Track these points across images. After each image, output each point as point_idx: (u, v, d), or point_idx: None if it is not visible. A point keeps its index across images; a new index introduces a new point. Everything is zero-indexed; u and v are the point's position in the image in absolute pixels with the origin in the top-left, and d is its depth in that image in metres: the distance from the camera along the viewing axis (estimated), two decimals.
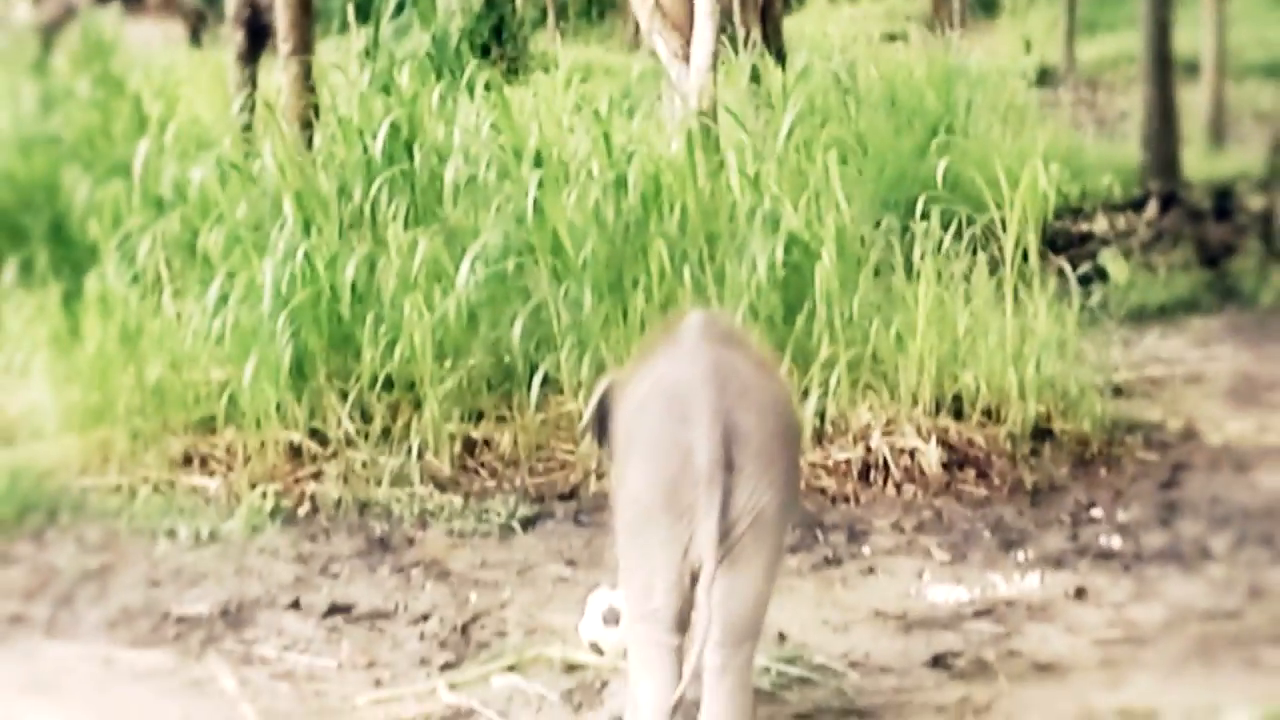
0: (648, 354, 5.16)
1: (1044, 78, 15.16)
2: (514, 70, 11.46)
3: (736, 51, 9.80)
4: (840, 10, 16.80)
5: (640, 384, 4.88)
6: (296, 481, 7.28)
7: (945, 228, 7.90)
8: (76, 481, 7.32)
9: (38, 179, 9.00)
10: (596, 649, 5.58)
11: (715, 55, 8.59)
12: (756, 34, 10.72)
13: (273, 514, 7.01)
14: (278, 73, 9.17)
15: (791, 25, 14.48)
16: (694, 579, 4.67)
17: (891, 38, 14.13)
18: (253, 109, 9.07)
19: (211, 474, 7.35)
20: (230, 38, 9.82)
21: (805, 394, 7.32)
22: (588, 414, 5.20)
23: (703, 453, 4.59)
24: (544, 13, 15.33)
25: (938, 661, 5.60)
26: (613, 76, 11.90)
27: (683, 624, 4.76)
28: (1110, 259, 10.32)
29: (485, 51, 11.51)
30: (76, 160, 9.01)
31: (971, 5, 18.11)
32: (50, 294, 7.79)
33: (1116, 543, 6.67)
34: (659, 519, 4.64)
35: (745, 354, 5.13)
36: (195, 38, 12.72)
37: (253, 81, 9.53)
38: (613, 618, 5.49)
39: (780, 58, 10.75)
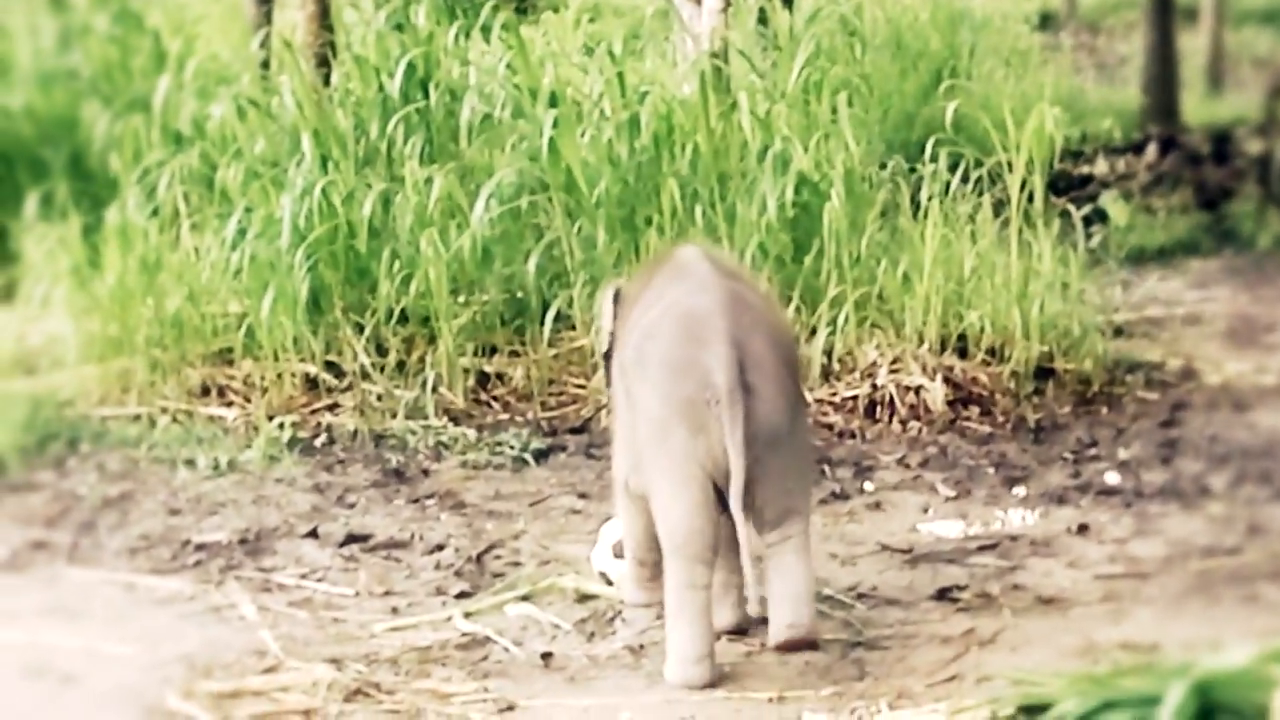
0: (646, 281, 5.35)
1: (1045, 22, 15.16)
2: (523, 9, 11.46)
3: None
4: None
5: (648, 310, 5.09)
6: (313, 413, 7.40)
7: (951, 170, 8.01)
8: (96, 411, 7.43)
9: (57, 114, 9.01)
10: (606, 579, 5.72)
11: None
12: None
13: (290, 444, 7.11)
14: (293, 10, 9.22)
15: None
16: (719, 496, 4.89)
17: None
18: (269, 46, 9.11)
19: (229, 404, 7.46)
20: None
21: (813, 332, 7.45)
22: (606, 321, 5.40)
23: (720, 373, 4.83)
24: None
25: (943, 594, 5.71)
26: (620, 17, 11.90)
27: (714, 549, 4.98)
28: (1111, 201, 10.39)
29: None
30: (96, 95, 9.04)
31: None
32: (70, 227, 7.84)
33: (1117, 480, 6.79)
34: (676, 433, 4.89)
35: (751, 287, 5.44)
36: None
37: (268, 19, 9.57)
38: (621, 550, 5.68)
39: (788, 1, 10.80)
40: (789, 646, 5.11)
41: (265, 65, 8.98)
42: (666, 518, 4.98)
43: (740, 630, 5.39)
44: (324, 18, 8.94)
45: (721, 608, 5.35)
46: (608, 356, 5.49)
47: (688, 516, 4.94)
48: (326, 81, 8.49)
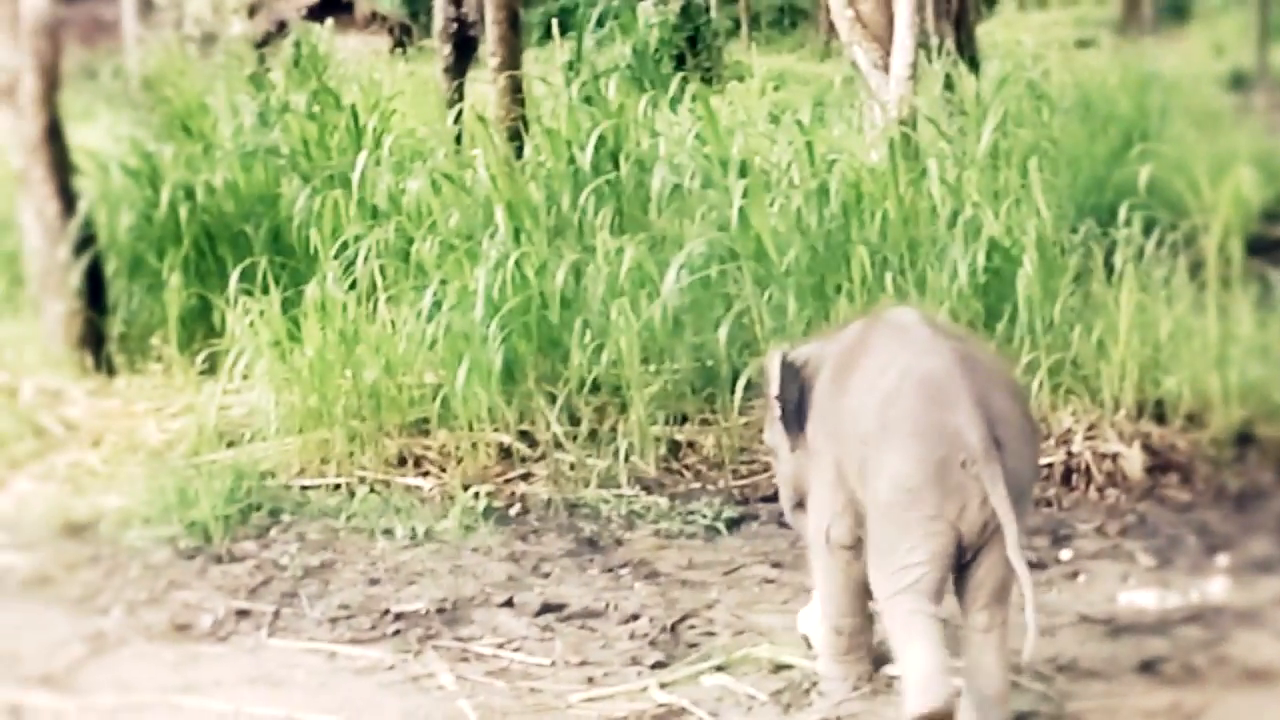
0: (847, 347, 5.35)
1: (1237, 82, 14.95)
2: (708, 80, 11.57)
3: (930, 59, 9.85)
4: (1030, 17, 16.72)
5: (878, 375, 5.10)
6: (507, 482, 7.46)
7: (1145, 233, 7.93)
8: (297, 481, 7.54)
9: (258, 190, 9.23)
10: (809, 643, 5.69)
11: (914, 64, 8.66)
12: (950, 42, 10.76)
13: (485, 514, 7.16)
14: (485, 85, 9.38)
15: (982, 32, 14.45)
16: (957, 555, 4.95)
17: (1083, 44, 14.05)
18: (462, 121, 9.26)
19: (425, 474, 7.54)
20: (438, 51, 10.06)
21: None
22: (776, 386, 5.41)
23: (973, 432, 4.87)
24: (737, 22, 15.44)
25: (1146, 667, 5.62)
26: (805, 85, 11.97)
27: (942, 596, 5.02)
28: None
29: (681, 61, 11.66)
30: (295, 172, 9.25)
31: (1162, 10, 17.90)
32: (271, 301, 7.99)
33: None
34: (927, 498, 4.91)
35: (974, 342, 5.54)
36: (399, 50, 13.00)
37: (461, 94, 9.75)
38: None
39: (974, 65, 10.78)
40: None
41: (459, 140, 9.13)
42: (902, 567, 4.98)
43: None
44: (515, 92, 9.11)
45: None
46: (786, 421, 5.47)
47: (926, 566, 4.96)
48: (519, 155, 8.63)
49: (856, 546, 5.38)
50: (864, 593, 5.44)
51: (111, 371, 8.80)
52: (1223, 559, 6.58)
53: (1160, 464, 7.36)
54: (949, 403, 4.95)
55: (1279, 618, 6.02)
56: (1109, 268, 7.87)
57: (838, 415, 5.25)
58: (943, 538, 4.95)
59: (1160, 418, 7.53)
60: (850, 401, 5.18)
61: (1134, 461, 7.27)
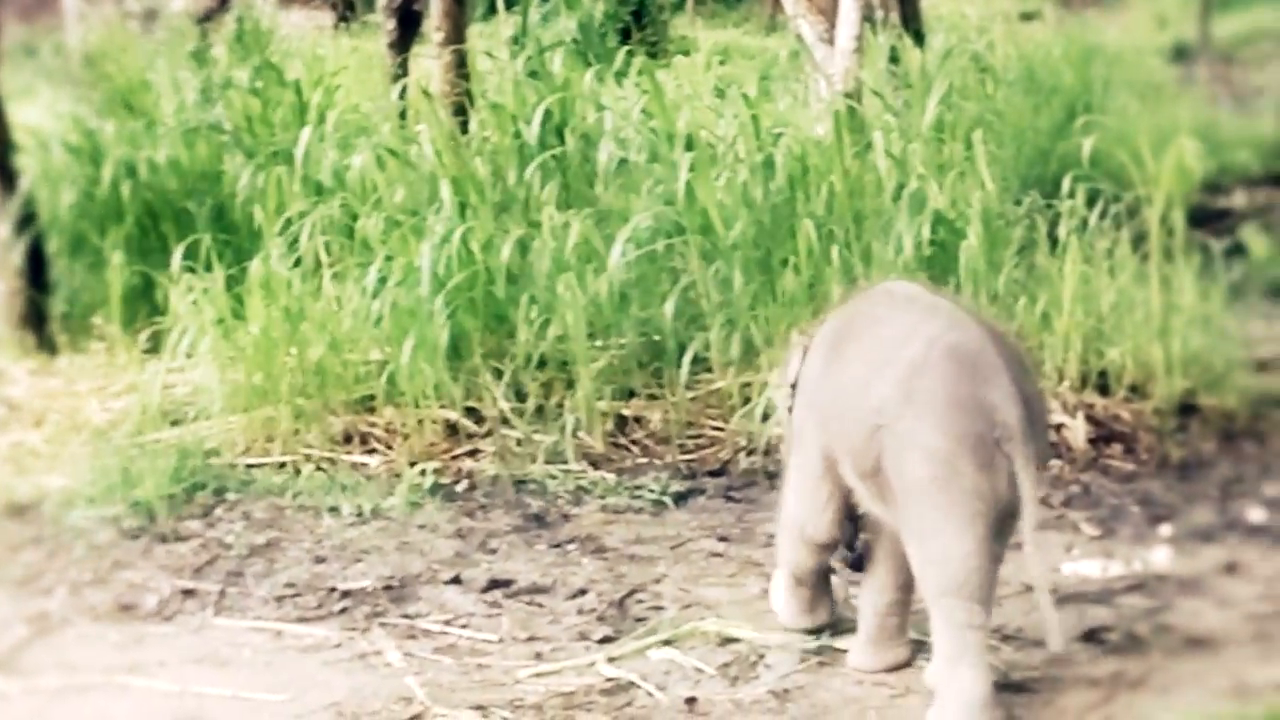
0: (843, 321, 5.30)
1: (1179, 55, 15.02)
2: (653, 54, 11.55)
3: (875, 33, 9.87)
4: None
5: (895, 347, 4.95)
6: (453, 459, 7.45)
7: (1089, 205, 7.96)
8: (242, 460, 7.51)
9: (201, 167, 9.18)
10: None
11: (859, 38, 8.67)
12: (895, 15, 10.79)
13: (432, 490, 7.15)
14: (430, 60, 9.34)
15: (927, 5, 14.46)
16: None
17: (1027, 16, 14.08)
18: (406, 96, 9.22)
19: (372, 451, 7.52)
20: (382, 26, 10.02)
21: None
22: (790, 374, 5.40)
23: (1011, 410, 4.75)
24: None
25: (1090, 636, 5.65)
26: (750, 59, 11.96)
27: (993, 589, 4.94)
28: (1251, 234, 10.25)
29: (626, 35, 11.64)
30: (238, 148, 9.20)
31: None
32: (215, 278, 7.95)
33: (1265, 517, 6.68)
34: (964, 470, 4.77)
35: (991, 320, 5.46)
36: (342, 25, 12.94)
37: (405, 69, 9.71)
38: None
39: (918, 38, 10.81)
40: None
41: (403, 115, 9.09)
42: (947, 557, 4.85)
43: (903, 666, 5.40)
44: (460, 67, 9.06)
45: (886, 647, 5.37)
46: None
47: (973, 555, 4.83)
48: (464, 130, 8.60)
49: (831, 546, 5.41)
50: (827, 563, 5.51)
51: (54, 350, 8.75)
52: (1165, 528, 6.63)
53: (1104, 434, 7.40)
54: (984, 377, 4.82)
55: (1221, 586, 6.06)
56: (1053, 239, 7.91)
57: (833, 390, 5.14)
58: (983, 520, 4.81)
59: (1104, 388, 7.58)
60: (855, 371, 5.04)
61: (1078, 432, 7.31)
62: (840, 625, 5.68)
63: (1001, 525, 4.89)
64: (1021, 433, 4.76)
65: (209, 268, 8.06)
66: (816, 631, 5.65)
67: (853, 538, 5.39)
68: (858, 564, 5.47)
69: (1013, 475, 4.78)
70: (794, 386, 5.41)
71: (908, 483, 4.88)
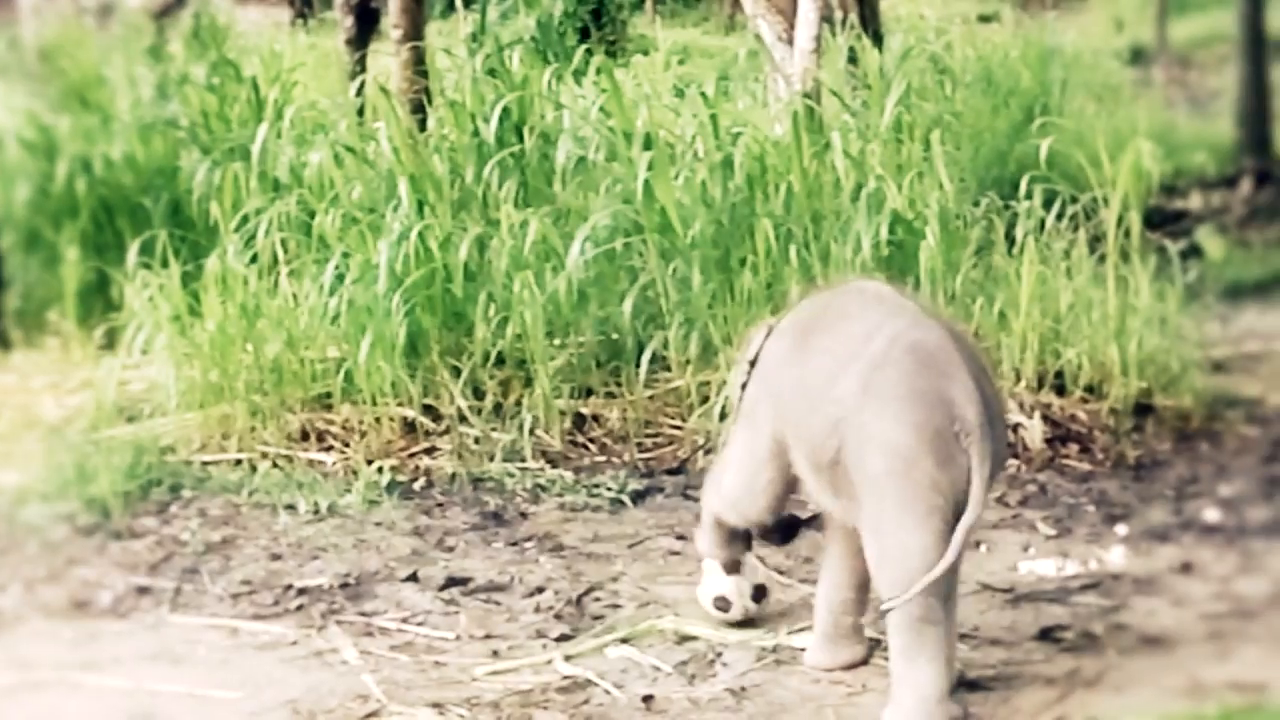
0: (811, 314, 5.32)
1: (1136, 57, 15.09)
2: (612, 53, 11.53)
3: (834, 33, 9.87)
4: None
5: (860, 342, 4.99)
6: (411, 456, 7.44)
7: (1046, 206, 8.00)
8: (198, 457, 7.48)
9: (157, 163, 9.13)
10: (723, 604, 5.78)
11: (818, 38, 8.68)
12: (854, 15, 10.79)
13: (389, 488, 7.14)
14: (388, 57, 9.32)
15: (885, 6, 14.49)
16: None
17: (985, 18, 14.12)
18: (364, 93, 9.20)
19: (329, 449, 7.50)
20: (340, 23, 9.98)
21: None
22: (753, 349, 5.42)
23: (970, 406, 4.80)
24: None
25: (1046, 634, 5.67)
26: (710, 58, 11.96)
27: (950, 584, 4.93)
28: (1206, 236, 10.31)
29: (585, 34, 11.62)
30: (194, 144, 9.16)
31: None
32: (171, 275, 7.91)
33: (1220, 517, 6.72)
34: (923, 464, 4.81)
35: (953, 322, 5.50)
36: (300, 22, 12.88)
37: (363, 66, 9.68)
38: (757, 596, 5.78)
39: (877, 39, 10.82)
40: None
41: (361, 112, 9.06)
42: (904, 552, 4.87)
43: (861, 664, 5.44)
44: (418, 64, 9.05)
45: (842, 644, 5.39)
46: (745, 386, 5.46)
47: (930, 550, 4.83)
48: (422, 127, 8.57)
49: (758, 526, 5.48)
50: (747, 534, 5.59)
51: (8, 346, 8.71)
52: (1121, 528, 6.66)
53: (1060, 434, 7.43)
54: (944, 373, 4.87)
55: (1176, 585, 6.09)
56: (1010, 240, 7.94)
57: (796, 379, 5.15)
58: (940, 515, 4.83)
59: (1060, 389, 7.61)
60: (820, 364, 5.07)
61: (1034, 432, 7.33)
62: (797, 623, 5.70)
63: (958, 521, 4.89)
64: (980, 429, 4.80)
65: (165, 264, 8.02)
66: (762, 622, 5.72)
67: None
68: (782, 535, 5.63)
69: (969, 471, 4.82)
70: (753, 364, 5.43)
71: (867, 476, 4.91)
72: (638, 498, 7.09)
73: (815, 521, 5.57)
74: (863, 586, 5.33)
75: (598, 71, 8.67)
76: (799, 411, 5.12)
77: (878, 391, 4.88)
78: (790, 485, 5.34)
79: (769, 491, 5.35)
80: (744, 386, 5.45)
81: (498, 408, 7.55)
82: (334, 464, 7.38)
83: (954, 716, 4.97)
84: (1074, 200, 7.99)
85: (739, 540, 5.68)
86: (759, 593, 5.79)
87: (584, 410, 7.65)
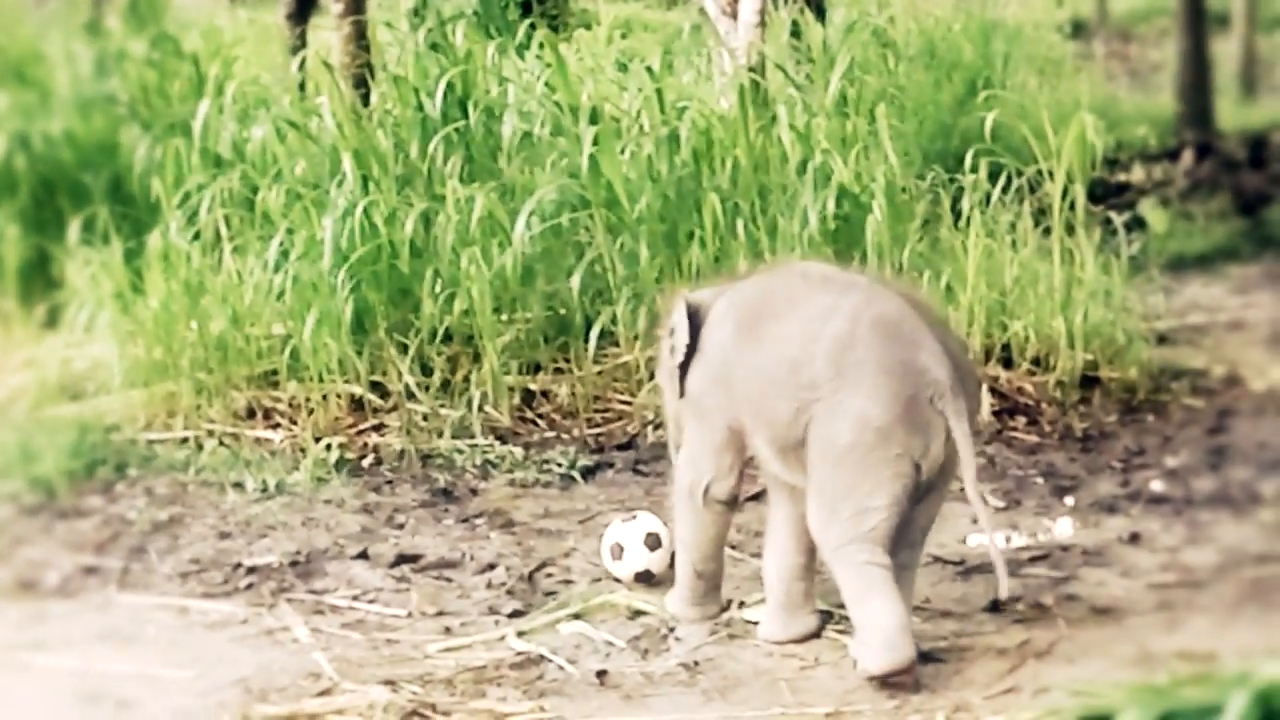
0: (754, 300, 5.36)
1: (1078, 30, 15.13)
2: (555, 27, 11.48)
3: (777, 6, 9.85)
4: None
5: (819, 324, 5.10)
6: (359, 433, 7.40)
7: (991, 180, 8.02)
8: (143, 435, 7.43)
9: (97, 139, 9.02)
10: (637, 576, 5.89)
11: (762, 11, 8.66)
12: None
13: (337, 466, 7.11)
14: (329, 32, 9.25)
15: None
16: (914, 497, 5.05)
17: None
18: (306, 68, 9.12)
19: (276, 427, 7.46)
20: None
21: None
22: (681, 333, 5.41)
23: (940, 370, 4.99)
24: None
25: (997, 606, 5.69)
26: (652, 32, 11.92)
27: (891, 544, 5.08)
28: (1149, 209, 10.36)
29: (527, 8, 11.55)
30: (135, 120, 9.06)
31: None
32: (113, 252, 7.85)
33: (1167, 488, 6.78)
34: (897, 436, 4.97)
35: (908, 289, 5.72)
36: None
37: (304, 41, 9.60)
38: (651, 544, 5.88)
39: (820, 13, 10.80)
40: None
41: (302, 87, 8.99)
42: (857, 510, 5.03)
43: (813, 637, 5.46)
44: (360, 39, 8.97)
45: (795, 616, 5.40)
46: (684, 368, 5.47)
47: (883, 509, 5.03)
48: (365, 102, 8.51)
49: (732, 502, 5.46)
50: (725, 541, 5.60)
51: None
52: (1069, 500, 6.70)
53: (1008, 407, 7.48)
54: (911, 342, 5.03)
55: (1125, 556, 6.14)
56: (956, 213, 7.98)
57: (751, 370, 5.22)
58: (907, 479, 5.02)
59: (1007, 361, 7.66)
60: (778, 352, 5.15)
61: (982, 405, 7.35)
62: (749, 597, 5.72)
63: (926, 488, 5.07)
64: (952, 388, 4.97)
65: (106, 241, 7.97)
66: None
67: None
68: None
69: (947, 431, 5.00)
70: (690, 348, 5.42)
71: (835, 449, 5.02)
72: (588, 473, 7.09)
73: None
74: (810, 551, 5.38)
75: (541, 46, 8.62)
76: (759, 399, 5.21)
77: (849, 372, 5.01)
78: (749, 465, 5.46)
79: (735, 471, 5.45)
80: (683, 369, 5.45)
81: (446, 384, 7.52)
82: (281, 441, 7.34)
83: (915, 647, 5.08)
84: (1019, 174, 8.02)
85: (715, 592, 5.69)
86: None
87: (532, 386, 7.64)
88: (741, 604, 5.74)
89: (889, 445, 4.97)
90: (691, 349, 5.43)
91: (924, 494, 5.12)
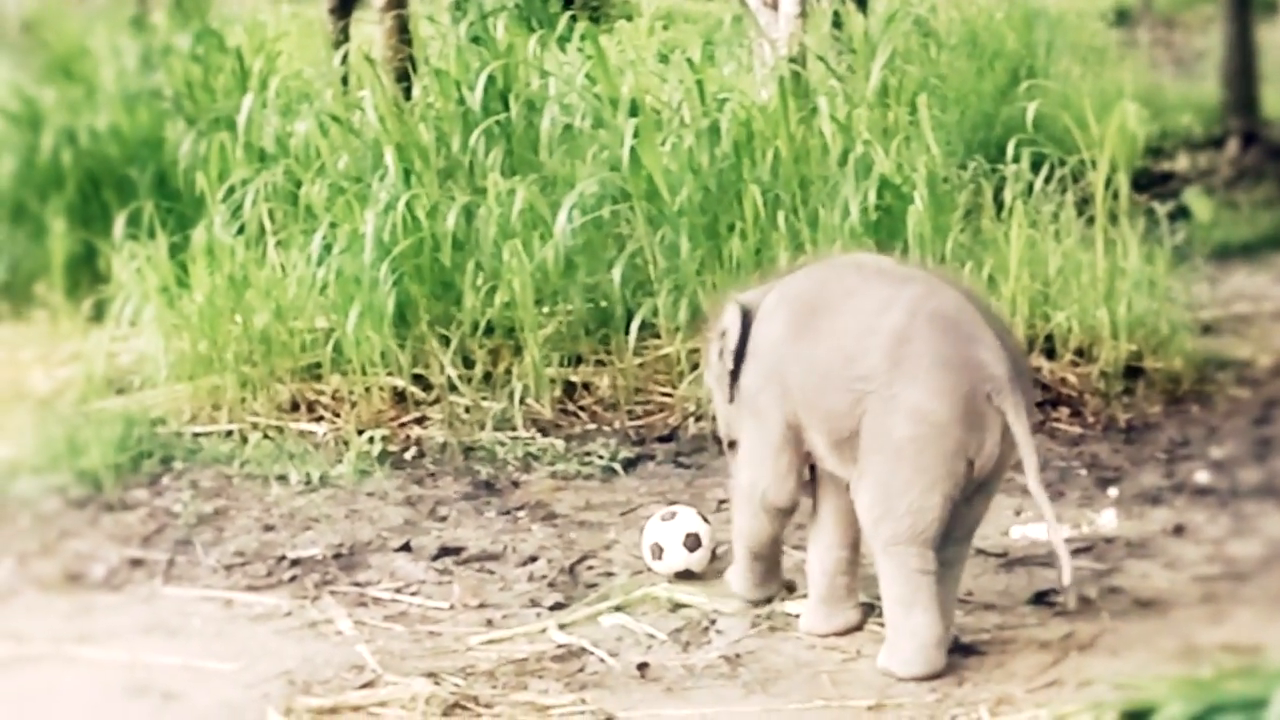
0: (808, 294, 5.33)
1: (1121, 18, 15.07)
2: (596, 19, 11.49)
3: None
4: None
5: (875, 317, 5.07)
6: (401, 426, 7.43)
7: (1034, 169, 8.00)
8: (188, 428, 7.47)
9: (142, 134, 9.10)
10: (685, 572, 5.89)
11: (803, 2, 8.66)
12: None
13: (380, 458, 7.13)
14: (372, 26, 9.28)
15: None
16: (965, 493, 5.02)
17: None
18: (349, 62, 9.16)
19: (319, 420, 7.49)
20: None
21: None
22: (733, 336, 5.39)
23: (998, 365, 4.94)
24: None
25: (1040, 598, 5.68)
26: (694, 23, 11.92)
27: (938, 544, 5.07)
28: (1194, 197, 10.31)
29: (568, 1, 11.58)
30: (180, 115, 9.13)
31: None
32: (158, 246, 7.90)
33: (1212, 479, 6.74)
34: (953, 431, 4.93)
35: (963, 284, 5.64)
36: None
37: (347, 35, 9.63)
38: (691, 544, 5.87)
39: (861, 3, 10.78)
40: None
41: (345, 81, 9.03)
42: (911, 509, 5.01)
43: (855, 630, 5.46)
44: (403, 32, 9.00)
45: (837, 609, 5.39)
46: (735, 372, 5.45)
47: (937, 508, 5.01)
48: (407, 96, 8.53)
49: (791, 510, 5.47)
50: (782, 537, 5.60)
51: None
52: (1113, 491, 6.67)
53: (1051, 398, 7.44)
54: (969, 337, 4.98)
55: (1169, 548, 6.12)
56: (998, 204, 7.95)
57: (806, 363, 5.19)
58: (960, 476, 4.98)
59: (1050, 352, 7.63)
60: (835, 344, 5.12)
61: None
62: (792, 590, 5.72)
63: (977, 485, 5.05)
64: (1010, 384, 4.92)
65: (152, 235, 8.02)
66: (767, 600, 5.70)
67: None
68: None
69: (1005, 428, 4.95)
70: (741, 352, 5.40)
71: (892, 442, 5.00)
72: (629, 465, 7.10)
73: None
74: (854, 546, 5.37)
75: (582, 38, 8.62)
76: (814, 394, 5.17)
77: (905, 365, 4.97)
78: (809, 461, 5.39)
79: (793, 473, 5.39)
80: (733, 374, 5.44)
81: (487, 376, 7.54)
82: (325, 434, 7.37)
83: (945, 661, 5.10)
84: (1061, 163, 7.99)
85: (775, 573, 5.70)
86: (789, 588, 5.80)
87: (574, 378, 7.65)
88: (787, 592, 5.74)
89: (945, 441, 4.94)
90: (741, 350, 5.41)
91: (975, 491, 5.09)
